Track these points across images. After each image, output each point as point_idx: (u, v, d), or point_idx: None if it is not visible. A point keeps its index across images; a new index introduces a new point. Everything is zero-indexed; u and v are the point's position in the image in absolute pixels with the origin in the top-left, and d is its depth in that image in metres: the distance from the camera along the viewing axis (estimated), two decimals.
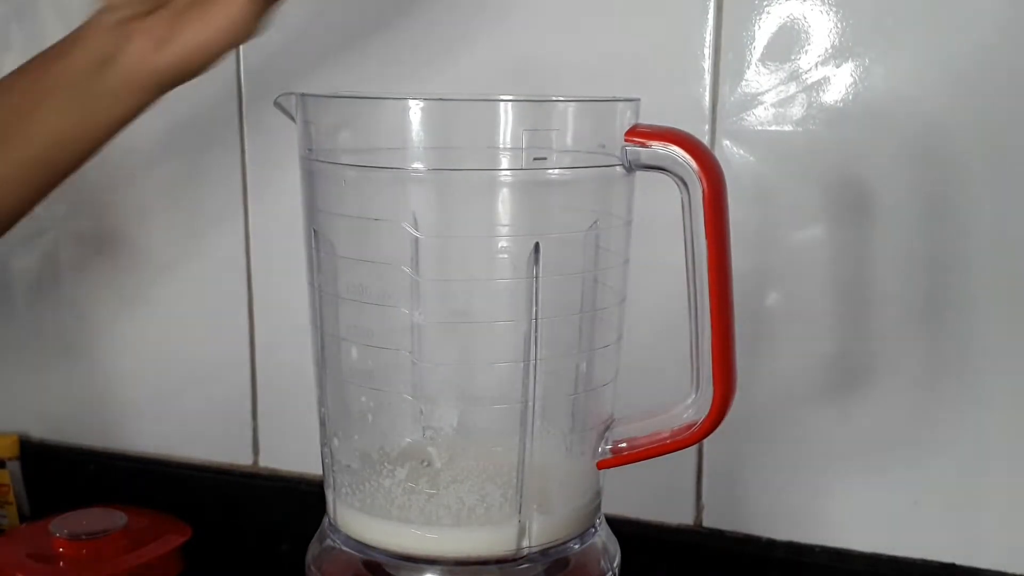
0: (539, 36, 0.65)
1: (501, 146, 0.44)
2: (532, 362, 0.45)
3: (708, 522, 0.66)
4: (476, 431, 0.47)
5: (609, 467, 0.49)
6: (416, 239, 0.44)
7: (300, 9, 0.69)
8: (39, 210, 0.80)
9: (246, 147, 0.73)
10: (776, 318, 0.63)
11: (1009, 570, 0.60)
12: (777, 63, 0.60)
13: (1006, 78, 0.57)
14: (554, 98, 0.45)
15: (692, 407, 0.47)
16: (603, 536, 0.51)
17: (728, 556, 0.65)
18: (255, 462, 0.77)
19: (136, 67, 0.55)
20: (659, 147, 0.45)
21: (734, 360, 0.46)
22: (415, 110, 0.44)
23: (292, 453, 0.76)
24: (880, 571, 0.62)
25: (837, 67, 0.59)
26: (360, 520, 0.48)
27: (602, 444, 0.49)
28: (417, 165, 0.44)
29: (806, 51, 0.60)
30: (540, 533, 0.47)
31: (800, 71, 0.60)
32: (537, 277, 0.44)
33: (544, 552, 0.47)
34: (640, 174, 0.47)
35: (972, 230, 0.58)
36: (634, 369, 0.52)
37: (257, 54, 0.71)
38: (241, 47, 0.71)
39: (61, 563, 0.65)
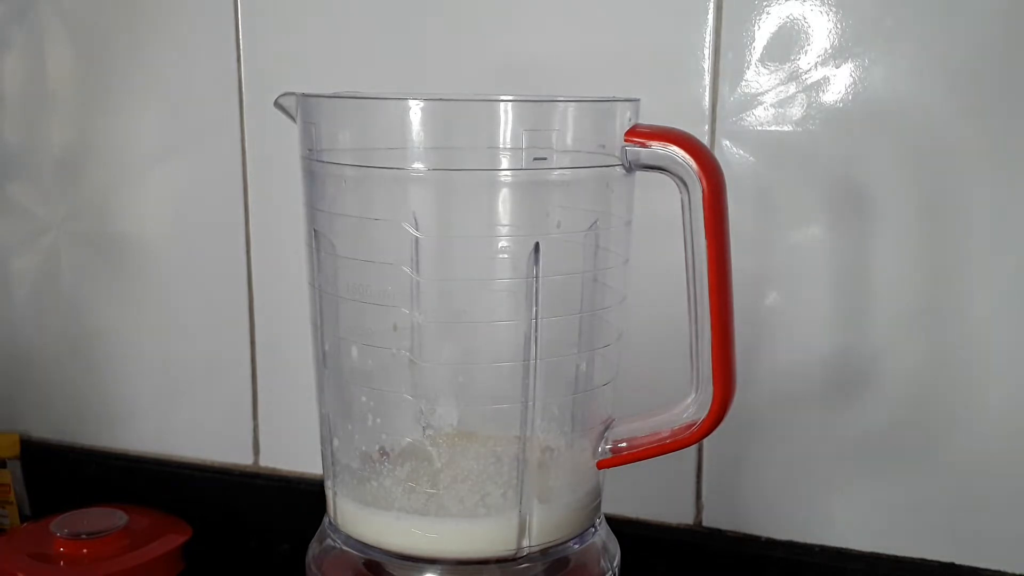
0: (540, 36, 0.65)
1: (501, 146, 0.44)
2: (532, 362, 0.45)
3: (708, 522, 0.66)
4: (476, 431, 0.47)
5: (609, 467, 0.49)
6: (416, 239, 0.44)
7: (301, 9, 0.70)
8: (39, 210, 0.80)
9: (246, 147, 0.73)
10: (776, 318, 0.63)
11: (1009, 570, 0.60)
12: (777, 63, 0.60)
13: (1006, 78, 0.57)
14: (554, 98, 0.45)
15: (692, 407, 0.47)
16: (603, 536, 0.51)
17: (728, 556, 0.65)
18: (255, 462, 0.77)
19: None
20: (659, 147, 0.45)
21: (734, 360, 0.46)
22: (415, 110, 0.44)
23: (292, 453, 0.76)
24: (880, 571, 0.62)
25: (837, 67, 0.59)
26: (360, 519, 0.48)
27: (602, 444, 0.49)
28: (417, 165, 0.44)
29: (806, 51, 0.60)
30: (540, 532, 0.47)
31: (800, 71, 0.60)
32: (537, 277, 0.44)
33: (544, 551, 0.47)
34: (640, 174, 0.47)
35: (972, 230, 0.58)
36: (634, 369, 0.52)
37: (257, 54, 0.71)
38: (241, 47, 0.71)
39: (61, 563, 0.65)
